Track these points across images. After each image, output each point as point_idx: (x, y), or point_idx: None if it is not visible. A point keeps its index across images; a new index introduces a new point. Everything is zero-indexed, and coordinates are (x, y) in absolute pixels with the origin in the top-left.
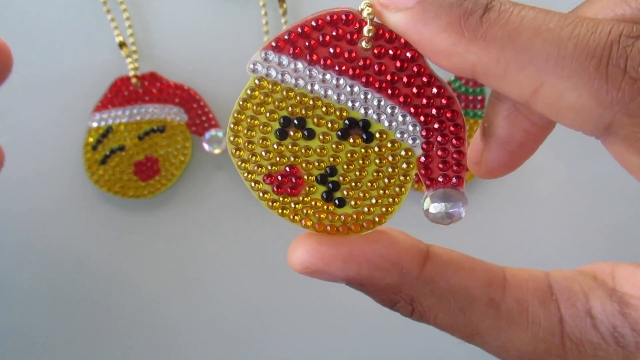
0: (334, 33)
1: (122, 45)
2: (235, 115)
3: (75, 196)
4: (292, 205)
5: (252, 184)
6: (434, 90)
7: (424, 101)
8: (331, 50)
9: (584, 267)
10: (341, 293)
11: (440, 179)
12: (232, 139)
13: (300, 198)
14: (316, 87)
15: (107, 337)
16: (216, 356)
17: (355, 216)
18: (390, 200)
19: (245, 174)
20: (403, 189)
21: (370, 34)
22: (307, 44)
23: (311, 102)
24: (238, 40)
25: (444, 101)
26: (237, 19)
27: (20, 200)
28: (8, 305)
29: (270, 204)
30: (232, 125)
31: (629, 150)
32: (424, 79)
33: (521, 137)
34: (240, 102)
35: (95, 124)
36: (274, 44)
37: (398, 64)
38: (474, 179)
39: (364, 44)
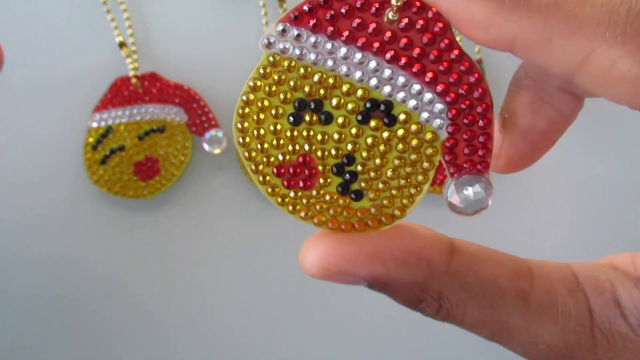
0: (358, 4)
1: (122, 45)
2: (245, 98)
3: (75, 196)
4: (304, 201)
5: (260, 178)
6: (463, 67)
7: (453, 78)
8: (354, 22)
9: (600, 259)
10: (343, 294)
11: (465, 165)
12: (239, 125)
13: (314, 192)
14: (337, 64)
15: (106, 336)
16: (217, 357)
17: (373, 210)
18: (412, 190)
19: (253, 167)
20: (425, 178)
21: (399, 3)
22: (328, 15)
23: (331, 82)
24: (238, 41)
25: (473, 78)
26: (237, 19)
27: (20, 200)
28: (8, 306)
29: (279, 200)
30: (240, 110)
31: None
32: (453, 55)
33: (544, 127)
34: (251, 83)
35: (95, 124)
36: (292, 15)
37: (426, 37)
38: None
39: (390, 14)
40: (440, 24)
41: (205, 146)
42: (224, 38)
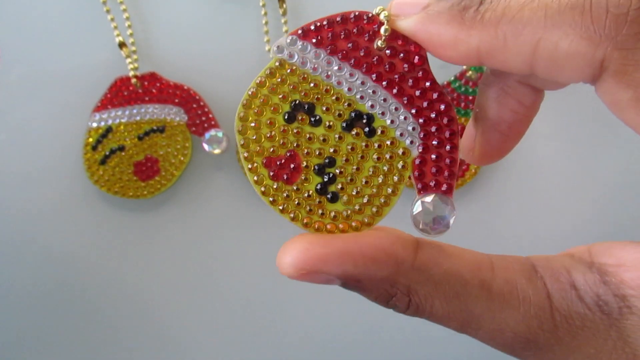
0: (354, 29)
1: (122, 45)
2: (250, 92)
3: (75, 196)
4: (284, 194)
5: (250, 166)
6: (435, 95)
7: (425, 104)
8: (350, 44)
9: (561, 252)
10: (341, 295)
11: (432, 184)
12: (241, 115)
13: (294, 187)
14: (331, 76)
15: (106, 336)
16: (216, 356)
17: (345, 214)
18: (382, 200)
19: (246, 154)
20: (396, 191)
21: (387, 33)
22: (329, 35)
23: (324, 90)
24: (238, 41)
25: (442, 106)
26: (237, 19)
27: (20, 200)
28: (7, 306)
29: (263, 189)
30: (244, 102)
31: (619, 85)
32: (427, 83)
33: (510, 118)
34: (258, 80)
35: (95, 124)
36: (300, 31)
37: (406, 66)
38: (475, 179)
39: (379, 42)
40: (418, 56)
41: (205, 146)
42: (224, 38)
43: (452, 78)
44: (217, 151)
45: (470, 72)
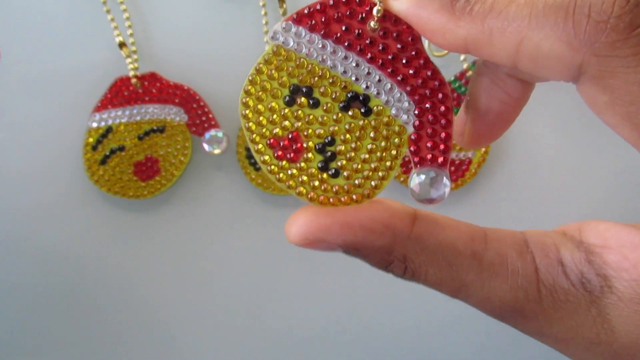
0: (347, 12)
1: (122, 45)
2: (250, 78)
3: (75, 196)
4: (289, 172)
5: (256, 148)
6: (428, 72)
7: (419, 81)
8: (343, 27)
9: (555, 228)
10: (341, 295)
11: (428, 157)
12: (244, 100)
13: (298, 165)
14: (326, 59)
15: (106, 337)
16: (215, 356)
17: (346, 188)
18: (381, 174)
19: (252, 137)
20: (393, 165)
21: (379, 14)
22: (323, 19)
23: (320, 73)
24: (238, 41)
25: (436, 83)
26: (237, 19)
27: (20, 200)
28: (7, 306)
29: (269, 168)
30: (246, 88)
31: (596, 89)
32: (420, 61)
33: (498, 108)
34: (257, 67)
35: (95, 124)
36: (294, 16)
37: (399, 45)
38: (475, 179)
39: (372, 24)
40: (411, 36)
41: (205, 146)
42: (224, 38)
43: (452, 78)
44: (217, 151)
45: (470, 72)
